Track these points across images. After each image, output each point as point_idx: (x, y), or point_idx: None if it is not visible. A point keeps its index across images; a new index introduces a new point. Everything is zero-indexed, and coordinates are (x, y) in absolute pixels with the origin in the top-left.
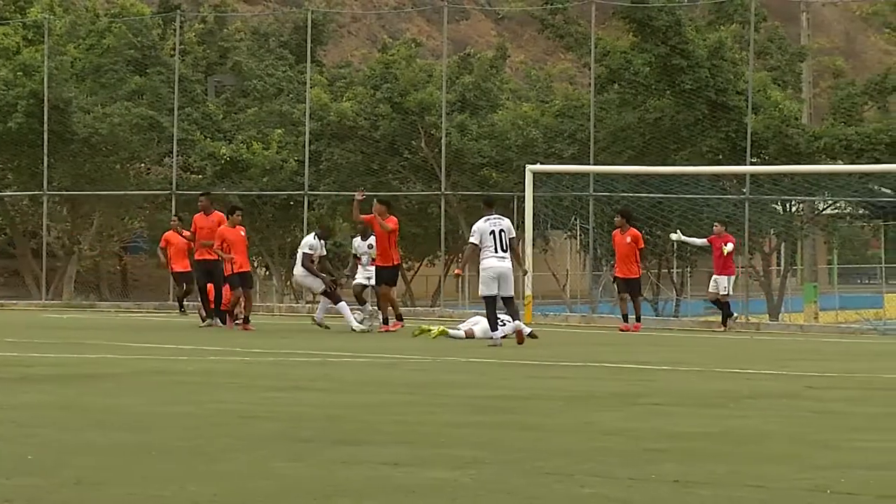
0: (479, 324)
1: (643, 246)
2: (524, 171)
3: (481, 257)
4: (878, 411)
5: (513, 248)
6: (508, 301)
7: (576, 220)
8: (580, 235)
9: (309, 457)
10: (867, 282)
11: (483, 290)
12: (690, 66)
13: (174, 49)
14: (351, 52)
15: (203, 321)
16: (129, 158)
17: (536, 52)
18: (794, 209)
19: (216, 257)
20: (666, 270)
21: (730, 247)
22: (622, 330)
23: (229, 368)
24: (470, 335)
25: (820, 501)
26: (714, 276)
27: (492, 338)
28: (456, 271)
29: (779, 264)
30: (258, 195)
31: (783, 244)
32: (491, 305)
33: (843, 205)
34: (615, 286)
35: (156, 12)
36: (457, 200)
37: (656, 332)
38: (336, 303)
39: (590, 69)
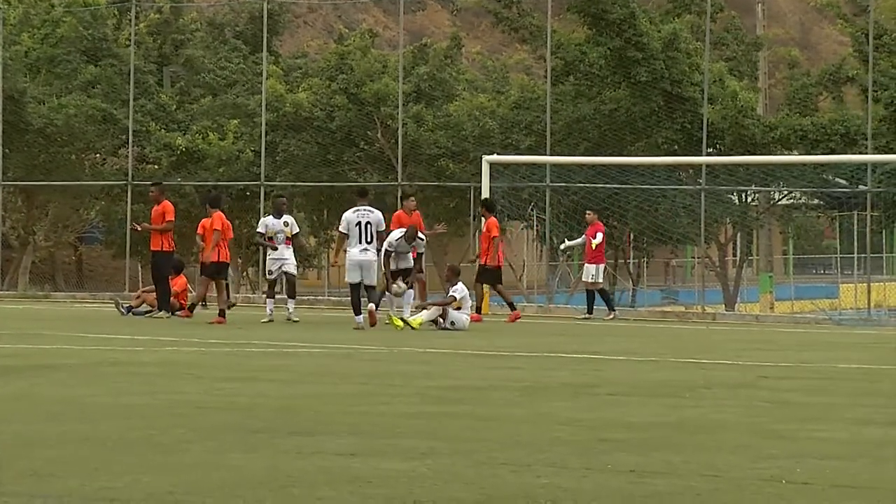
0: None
1: (497, 234)
2: (481, 161)
3: (347, 247)
4: (832, 401)
5: (381, 239)
6: (370, 289)
7: (532, 210)
8: (537, 226)
9: (264, 448)
10: (822, 272)
11: (347, 278)
12: (645, 57)
13: (129, 39)
14: (307, 43)
15: (158, 311)
16: (85, 149)
17: (493, 42)
18: (749, 199)
19: (169, 249)
20: (623, 261)
21: (599, 237)
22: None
23: (185, 359)
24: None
25: (775, 491)
26: (585, 265)
27: (359, 322)
28: (333, 261)
29: (735, 255)
30: (214, 185)
31: (739, 234)
32: (355, 292)
33: (799, 195)
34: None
35: (111, 2)
36: (413, 191)
37: (612, 322)
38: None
39: (545, 61)
